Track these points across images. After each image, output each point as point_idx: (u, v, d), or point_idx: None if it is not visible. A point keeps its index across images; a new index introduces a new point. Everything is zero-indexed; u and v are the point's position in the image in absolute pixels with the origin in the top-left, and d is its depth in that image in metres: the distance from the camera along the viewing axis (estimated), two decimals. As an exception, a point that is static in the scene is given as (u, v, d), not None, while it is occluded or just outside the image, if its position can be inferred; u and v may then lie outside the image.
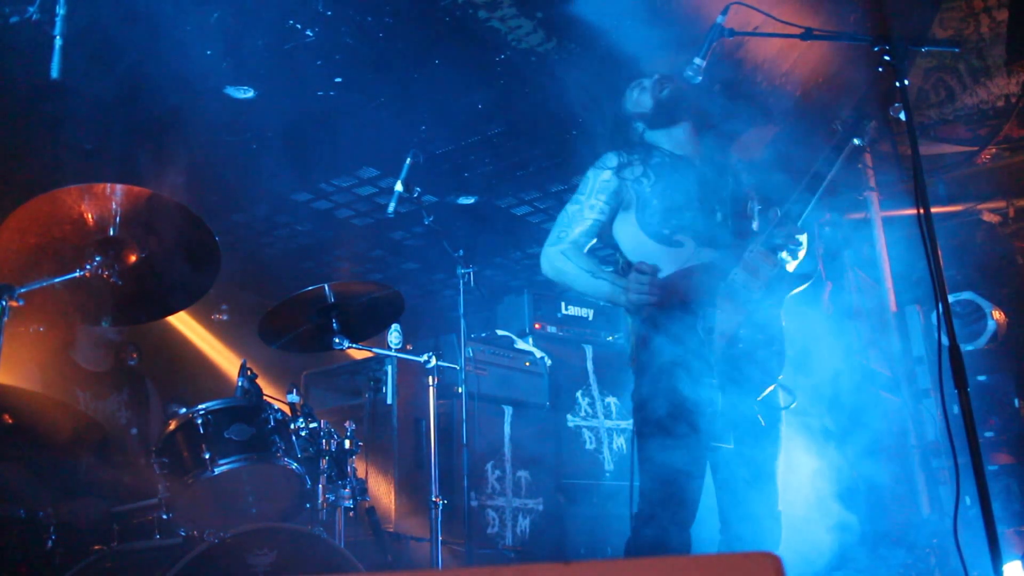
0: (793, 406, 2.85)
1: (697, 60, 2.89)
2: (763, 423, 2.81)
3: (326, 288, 3.67)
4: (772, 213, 2.90)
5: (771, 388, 2.78)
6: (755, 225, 3.05)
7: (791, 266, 2.91)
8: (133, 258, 3.02)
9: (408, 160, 4.03)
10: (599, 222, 2.99)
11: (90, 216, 2.87)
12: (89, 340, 4.17)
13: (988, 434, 5.43)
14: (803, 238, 2.88)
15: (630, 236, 2.98)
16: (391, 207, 4.00)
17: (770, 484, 2.84)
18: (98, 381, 4.13)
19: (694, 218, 2.92)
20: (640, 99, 3.12)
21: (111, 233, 2.91)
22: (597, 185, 2.99)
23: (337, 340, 3.74)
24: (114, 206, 2.86)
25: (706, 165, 3.07)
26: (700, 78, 2.92)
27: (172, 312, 3.83)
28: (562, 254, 2.98)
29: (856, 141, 2.99)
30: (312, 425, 3.46)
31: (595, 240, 3.04)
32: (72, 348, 4.15)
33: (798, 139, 5.45)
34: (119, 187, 2.83)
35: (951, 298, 5.68)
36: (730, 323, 2.78)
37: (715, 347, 2.74)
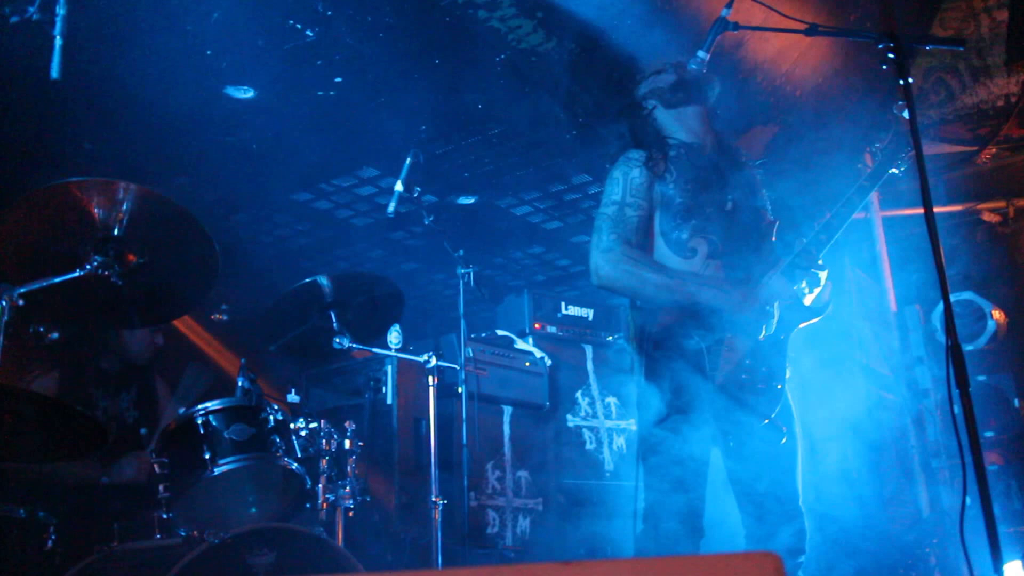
0: (783, 442, 2.82)
1: (701, 53, 2.86)
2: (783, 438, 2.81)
3: (322, 280, 3.67)
4: (797, 242, 2.85)
5: (764, 423, 2.77)
6: (773, 237, 2.98)
7: (807, 299, 2.86)
8: (133, 259, 3.02)
9: (408, 160, 4.03)
10: (643, 218, 2.86)
11: (90, 215, 2.86)
12: (134, 339, 4.22)
13: (988, 434, 5.43)
14: (823, 274, 2.84)
15: (654, 241, 2.92)
16: (391, 207, 4.00)
17: (790, 484, 2.83)
18: (111, 380, 4.16)
19: (710, 216, 2.87)
20: (660, 77, 3.04)
21: (113, 233, 2.91)
22: (630, 185, 2.86)
23: (337, 340, 3.74)
24: (115, 205, 2.86)
25: (720, 155, 3.03)
26: (704, 71, 2.90)
27: (174, 316, 3.84)
28: (624, 255, 2.78)
29: (894, 170, 2.95)
30: (312, 425, 3.46)
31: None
32: (103, 350, 4.19)
33: (798, 140, 5.45)
34: (122, 184, 2.83)
35: (951, 298, 5.66)
36: (737, 352, 2.75)
37: (719, 375, 2.73)
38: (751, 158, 3.18)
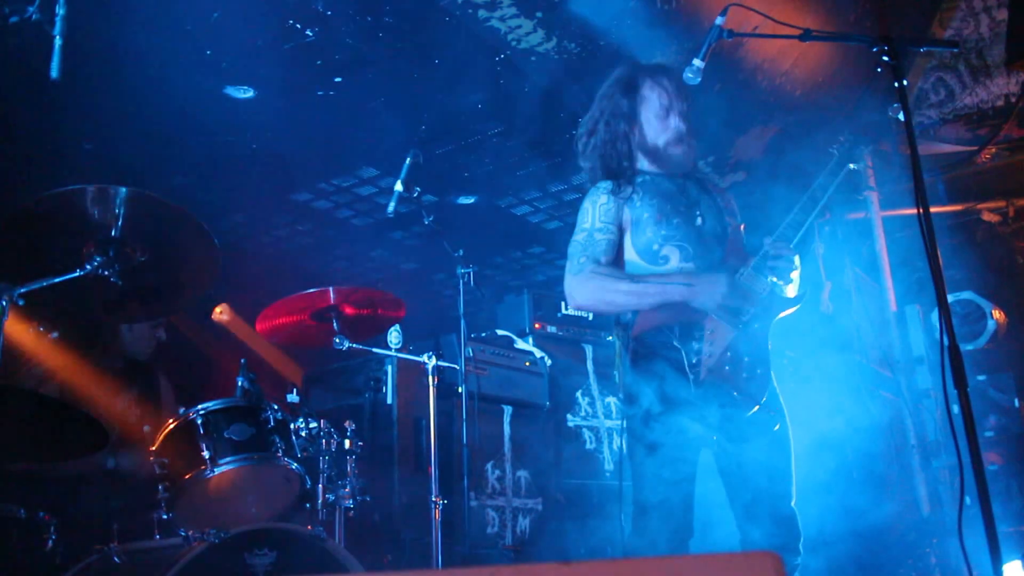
0: (776, 428, 2.84)
1: (696, 61, 2.88)
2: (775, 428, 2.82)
3: (330, 291, 3.69)
4: (765, 240, 2.88)
5: (755, 409, 2.78)
6: (742, 233, 3.04)
7: (790, 290, 2.90)
8: (133, 258, 3.02)
9: (408, 160, 4.03)
10: (612, 242, 2.93)
11: (90, 216, 2.87)
12: (134, 335, 4.23)
13: (988, 434, 5.43)
14: (796, 260, 2.87)
15: (625, 259, 2.98)
16: (391, 207, 4.00)
17: (783, 485, 2.84)
18: (110, 379, 4.17)
19: (679, 227, 2.91)
20: (659, 127, 3.02)
21: (112, 234, 2.91)
22: (598, 211, 2.94)
23: (337, 340, 3.74)
24: (115, 207, 2.86)
25: (687, 178, 3.07)
26: (699, 79, 2.91)
27: (172, 313, 3.84)
28: (593, 273, 2.86)
29: (852, 166, 2.99)
30: (312, 425, 3.47)
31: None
32: (106, 349, 4.21)
33: (797, 142, 5.45)
34: (120, 188, 2.83)
35: (951, 298, 5.67)
36: (718, 345, 2.78)
37: (703, 367, 2.75)
38: (718, 183, 3.22)
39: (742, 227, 3.04)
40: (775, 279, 2.86)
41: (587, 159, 3.11)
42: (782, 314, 2.90)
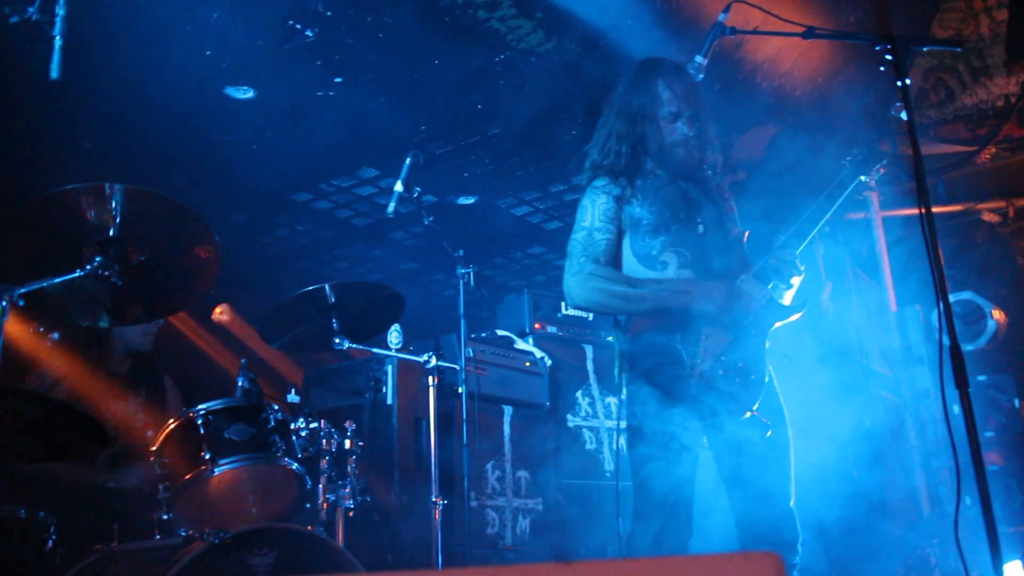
0: (768, 435, 2.84)
1: (699, 58, 2.89)
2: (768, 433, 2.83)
3: (326, 288, 3.67)
4: (770, 245, 2.89)
5: (747, 416, 2.79)
6: (744, 241, 3.04)
7: (786, 297, 2.91)
8: (133, 258, 3.02)
9: (408, 160, 4.03)
10: (611, 241, 2.94)
11: (90, 216, 2.86)
12: (127, 337, 4.22)
13: (988, 434, 5.43)
14: (800, 268, 2.88)
15: (623, 261, 2.99)
16: (391, 207, 4.00)
17: (782, 485, 2.84)
18: (118, 383, 4.16)
19: (678, 232, 2.92)
20: (664, 104, 3.00)
21: (111, 233, 2.90)
22: (598, 211, 2.95)
23: (337, 340, 3.74)
24: (115, 206, 2.86)
25: (688, 181, 3.06)
26: (702, 76, 2.92)
27: (172, 312, 3.83)
28: (593, 274, 2.89)
29: (863, 178, 3.01)
30: (312, 425, 3.46)
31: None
32: (108, 350, 4.20)
33: (797, 143, 5.45)
34: (119, 187, 2.82)
35: (951, 298, 5.67)
36: (714, 348, 2.79)
37: (697, 371, 2.77)
38: (724, 183, 3.20)
39: (746, 235, 3.04)
40: (775, 287, 2.86)
41: (592, 154, 3.10)
42: (780, 323, 2.91)
